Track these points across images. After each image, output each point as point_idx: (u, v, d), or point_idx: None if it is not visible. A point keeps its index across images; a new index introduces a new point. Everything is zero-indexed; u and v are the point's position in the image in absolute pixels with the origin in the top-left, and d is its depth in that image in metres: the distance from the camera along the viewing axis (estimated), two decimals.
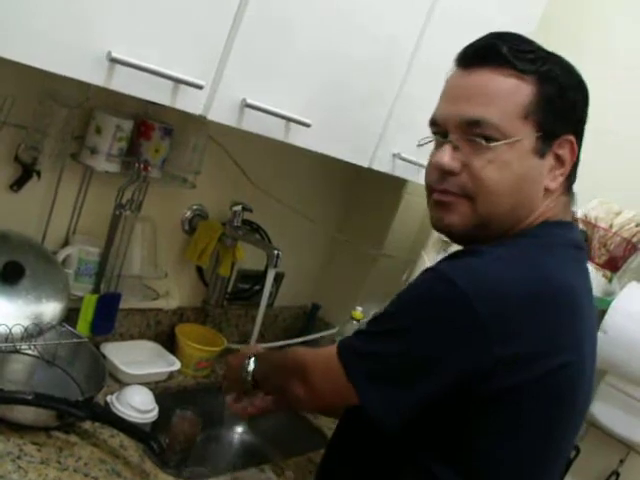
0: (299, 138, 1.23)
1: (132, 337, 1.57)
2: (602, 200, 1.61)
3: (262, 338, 1.80)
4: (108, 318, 1.40)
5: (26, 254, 1.24)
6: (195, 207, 1.60)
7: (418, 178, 1.49)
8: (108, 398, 1.28)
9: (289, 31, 1.13)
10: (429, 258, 1.66)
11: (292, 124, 1.20)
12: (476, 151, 0.89)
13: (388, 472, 0.93)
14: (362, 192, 1.94)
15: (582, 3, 1.84)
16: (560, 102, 0.90)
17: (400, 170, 1.48)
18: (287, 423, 1.60)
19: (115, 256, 1.38)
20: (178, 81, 1.00)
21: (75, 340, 1.29)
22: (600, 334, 1.45)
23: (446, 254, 0.96)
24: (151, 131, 1.34)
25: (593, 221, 1.57)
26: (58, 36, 0.87)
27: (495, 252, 0.87)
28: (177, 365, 1.52)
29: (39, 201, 1.32)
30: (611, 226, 1.56)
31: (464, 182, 0.90)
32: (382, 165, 1.45)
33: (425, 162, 0.99)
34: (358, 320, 1.75)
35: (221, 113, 1.09)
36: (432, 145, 0.98)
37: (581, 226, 1.57)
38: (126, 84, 0.96)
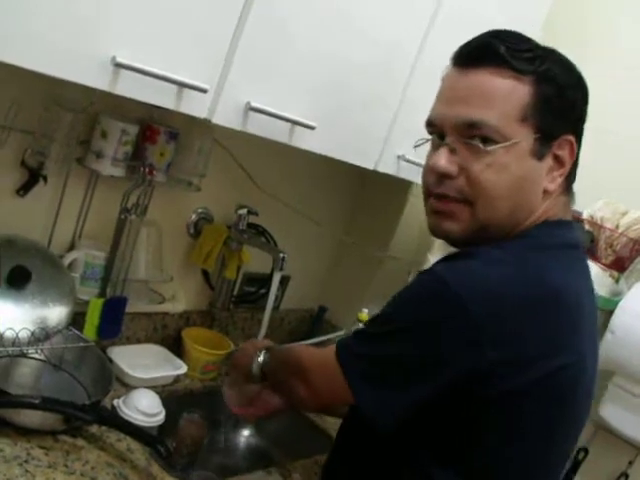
0: (303, 141, 1.24)
1: (138, 341, 1.57)
2: (608, 201, 1.60)
3: None
4: (114, 322, 1.40)
5: (32, 258, 1.25)
6: (200, 210, 1.61)
7: None
8: (115, 402, 1.28)
9: (292, 35, 1.13)
10: (434, 260, 1.65)
11: (297, 127, 1.20)
12: (474, 154, 0.88)
13: (388, 472, 0.93)
14: (368, 195, 1.95)
15: (584, 4, 1.84)
16: (559, 102, 0.89)
17: (405, 172, 1.48)
18: (293, 425, 1.59)
19: (121, 260, 1.38)
20: (182, 85, 1.00)
21: (82, 344, 1.29)
22: (607, 334, 1.45)
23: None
24: (156, 135, 1.35)
25: (599, 222, 1.57)
26: (63, 41, 0.87)
27: (491, 253, 0.86)
28: (184, 369, 1.52)
29: (45, 206, 1.33)
30: (617, 226, 1.56)
31: (462, 185, 0.89)
32: (387, 167, 1.45)
33: None
34: (364, 322, 1.74)
35: (226, 116, 1.10)
36: (429, 145, 0.97)
37: (587, 227, 1.57)
38: (131, 88, 0.96)
